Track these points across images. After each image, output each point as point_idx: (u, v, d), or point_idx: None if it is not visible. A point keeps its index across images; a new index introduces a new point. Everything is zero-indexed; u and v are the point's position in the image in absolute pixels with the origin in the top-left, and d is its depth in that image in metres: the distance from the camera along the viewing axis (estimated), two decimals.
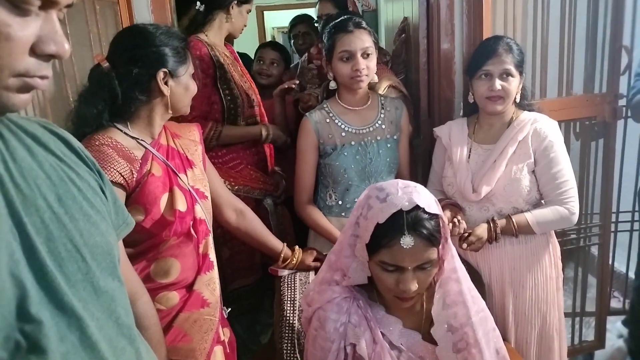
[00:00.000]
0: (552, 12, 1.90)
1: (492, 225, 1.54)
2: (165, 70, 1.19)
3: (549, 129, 1.54)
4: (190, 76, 1.28)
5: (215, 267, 1.36)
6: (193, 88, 1.29)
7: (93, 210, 0.69)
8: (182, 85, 1.24)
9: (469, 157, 1.62)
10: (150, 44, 1.19)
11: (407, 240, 0.99)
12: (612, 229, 2.29)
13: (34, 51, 0.56)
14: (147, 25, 1.26)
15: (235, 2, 1.84)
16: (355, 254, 1.11)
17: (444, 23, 1.88)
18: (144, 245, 1.20)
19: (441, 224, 1.04)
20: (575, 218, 1.55)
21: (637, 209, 2.39)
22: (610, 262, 2.26)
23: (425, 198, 1.03)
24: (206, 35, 1.83)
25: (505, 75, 1.51)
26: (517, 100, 1.57)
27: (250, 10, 1.92)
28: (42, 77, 0.58)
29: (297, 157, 1.73)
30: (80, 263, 0.64)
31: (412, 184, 1.08)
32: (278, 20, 5.97)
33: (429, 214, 1.02)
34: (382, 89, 1.92)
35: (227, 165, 1.85)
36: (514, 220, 1.53)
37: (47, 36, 0.56)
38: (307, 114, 1.74)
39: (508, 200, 1.56)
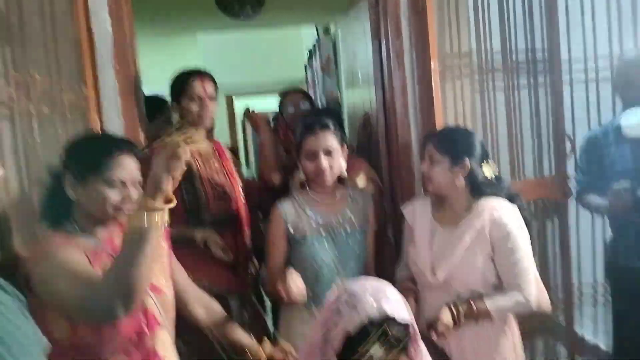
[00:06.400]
0: (498, 105, 2.07)
1: (454, 311, 1.55)
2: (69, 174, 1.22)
3: (508, 217, 1.58)
4: (108, 184, 1.21)
5: None
6: (110, 196, 1.20)
7: None
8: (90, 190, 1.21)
9: (432, 239, 1.67)
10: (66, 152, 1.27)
11: (377, 353, 1.00)
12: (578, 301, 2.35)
13: None
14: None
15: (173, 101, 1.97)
16: (326, 358, 1.11)
17: (400, 117, 2.02)
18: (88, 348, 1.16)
19: (411, 330, 1.07)
20: (533, 305, 1.59)
21: (601, 280, 2.46)
22: (578, 333, 2.31)
23: (395, 304, 1.05)
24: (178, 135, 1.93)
25: (431, 159, 1.64)
26: (457, 185, 1.61)
27: (195, 98, 1.93)
28: None
29: (267, 244, 1.76)
30: None
31: (382, 286, 1.10)
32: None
33: (399, 323, 1.04)
34: (362, 182, 2.00)
35: (184, 256, 1.82)
36: (474, 306, 1.55)
37: None
38: (277, 202, 1.78)
39: (466, 285, 1.60)
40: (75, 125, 1.73)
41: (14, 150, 1.49)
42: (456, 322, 1.55)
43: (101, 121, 1.81)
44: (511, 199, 1.65)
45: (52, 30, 1.58)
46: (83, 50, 1.70)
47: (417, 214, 1.73)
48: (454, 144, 1.63)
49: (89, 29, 1.75)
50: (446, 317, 1.55)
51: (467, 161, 1.60)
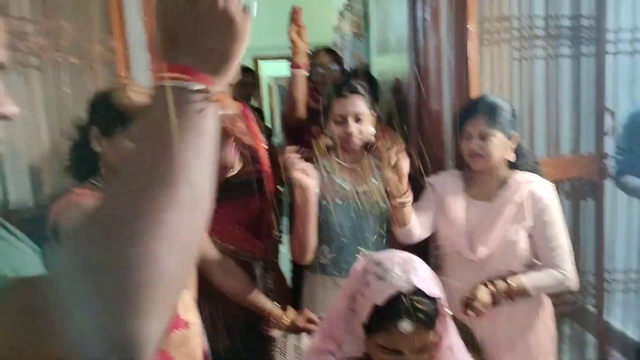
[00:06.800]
0: (537, 75, 1.97)
1: (494, 288, 1.51)
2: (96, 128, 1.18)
3: (545, 191, 1.55)
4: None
5: (193, 327, 1.31)
6: None
7: None
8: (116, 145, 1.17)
9: (466, 214, 1.62)
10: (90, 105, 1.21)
11: (405, 326, 0.96)
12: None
13: None
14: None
15: None
16: (352, 329, 1.08)
17: (432, 84, 1.93)
18: None
19: (440, 306, 1.03)
20: (570, 282, 1.54)
21: (634, 267, 2.38)
22: (607, 321, 2.25)
23: (424, 278, 1.01)
24: None
25: (483, 135, 1.54)
26: (510, 158, 1.58)
27: None
28: None
29: (292, 210, 1.69)
30: None
31: (411, 259, 1.06)
32: (274, 70, 6.08)
33: (429, 297, 1.00)
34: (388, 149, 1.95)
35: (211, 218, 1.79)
36: (512, 284, 1.51)
37: None
38: None
39: (503, 261, 1.55)
40: (103, 78, 1.71)
41: (45, 102, 1.49)
42: (494, 300, 1.50)
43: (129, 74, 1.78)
44: (534, 170, 1.62)
45: None
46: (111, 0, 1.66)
47: (448, 187, 1.67)
48: (504, 116, 1.55)
49: None
50: (483, 295, 1.49)
51: (517, 134, 1.56)
